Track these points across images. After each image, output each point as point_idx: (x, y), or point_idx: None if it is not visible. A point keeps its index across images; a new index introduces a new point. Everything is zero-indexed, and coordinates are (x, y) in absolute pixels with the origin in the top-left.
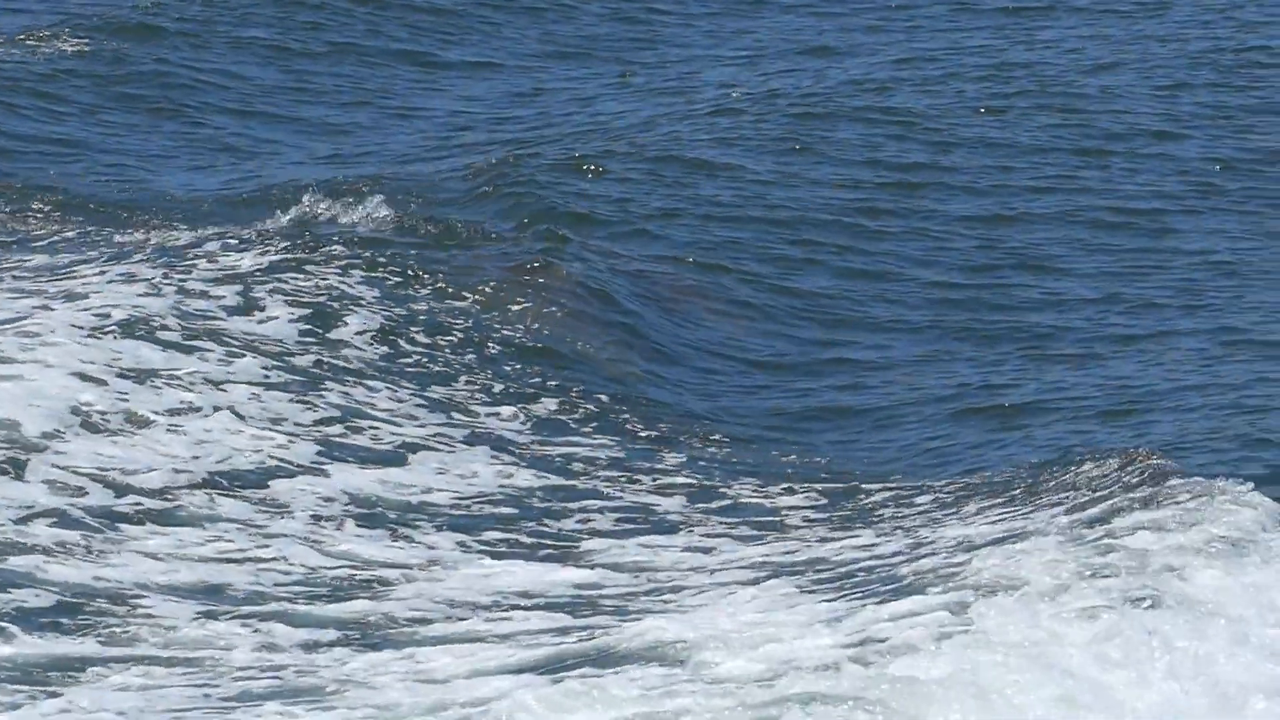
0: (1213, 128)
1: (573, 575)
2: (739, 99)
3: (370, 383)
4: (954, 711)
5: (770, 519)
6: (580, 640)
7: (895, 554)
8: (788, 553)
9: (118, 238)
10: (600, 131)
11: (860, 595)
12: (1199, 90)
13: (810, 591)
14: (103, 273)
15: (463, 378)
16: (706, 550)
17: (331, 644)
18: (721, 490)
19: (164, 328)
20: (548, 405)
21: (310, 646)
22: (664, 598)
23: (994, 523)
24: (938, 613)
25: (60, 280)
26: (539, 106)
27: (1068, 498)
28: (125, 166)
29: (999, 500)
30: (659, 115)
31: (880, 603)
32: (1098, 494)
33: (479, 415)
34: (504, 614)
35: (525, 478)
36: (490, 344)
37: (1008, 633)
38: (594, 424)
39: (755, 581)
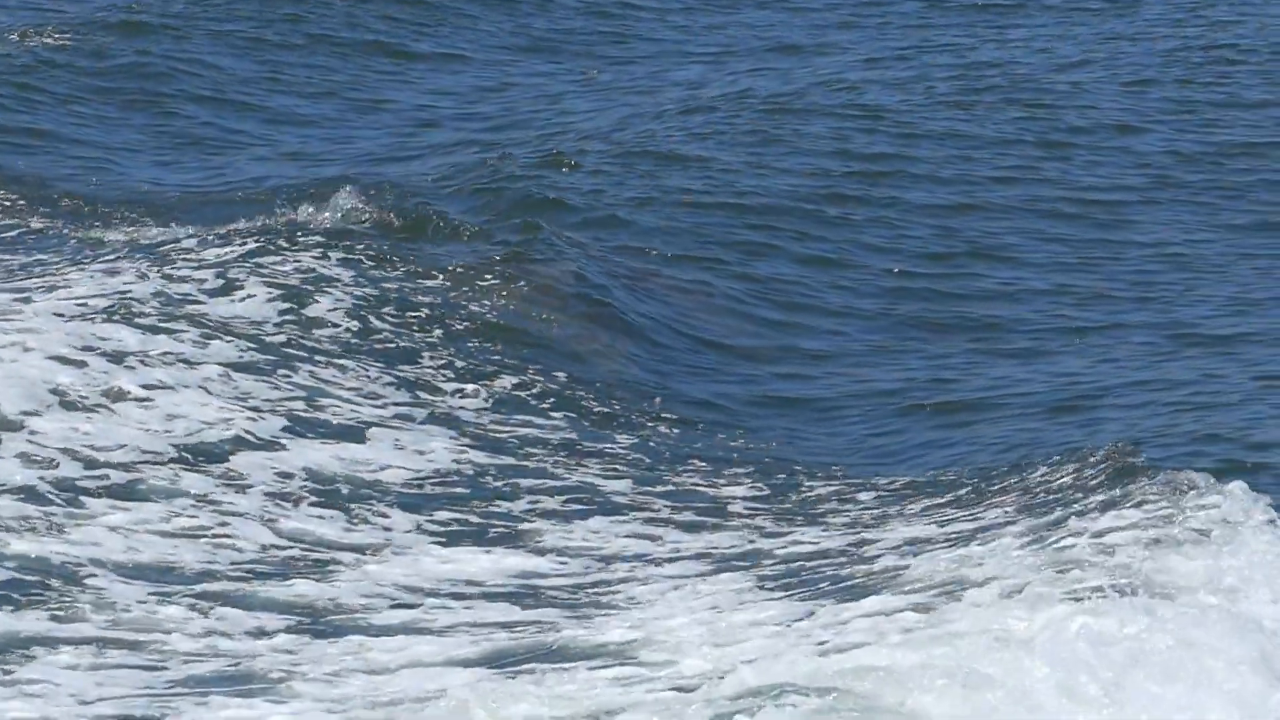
0: (1176, 122)
1: (520, 562)
2: (709, 94)
3: (340, 361)
4: (929, 699)
5: (715, 507)
6: (529, 635)
7: (840, 550)
8: (733, 545)
9: (96, 229)
10: (569, 126)
11: (810, 592)
12: (1166, 86)
13: (761, 588)
14: (81, 264)
15: (428, 357)
16: (653, 538)
17: (279, 630)
18: (669, 476)
19: (142, 313)
20: (507, 384)
21: (257, 633)
22: (612, 589)
23: (943, 522)
24: (903, 612)
25: (40, 270)
26: (507, 101)
27: (1021, 495)
28: (102, 160)
29: (947, 498)
30: (629, 110)
31: (835, 600)
32: (1053, 491)
33: (442, 394)
34: (452, 603)
35: (479, 457)
36: (458, 325)
37: (973, 627)
38: (551, 402)
39: (701, 575)
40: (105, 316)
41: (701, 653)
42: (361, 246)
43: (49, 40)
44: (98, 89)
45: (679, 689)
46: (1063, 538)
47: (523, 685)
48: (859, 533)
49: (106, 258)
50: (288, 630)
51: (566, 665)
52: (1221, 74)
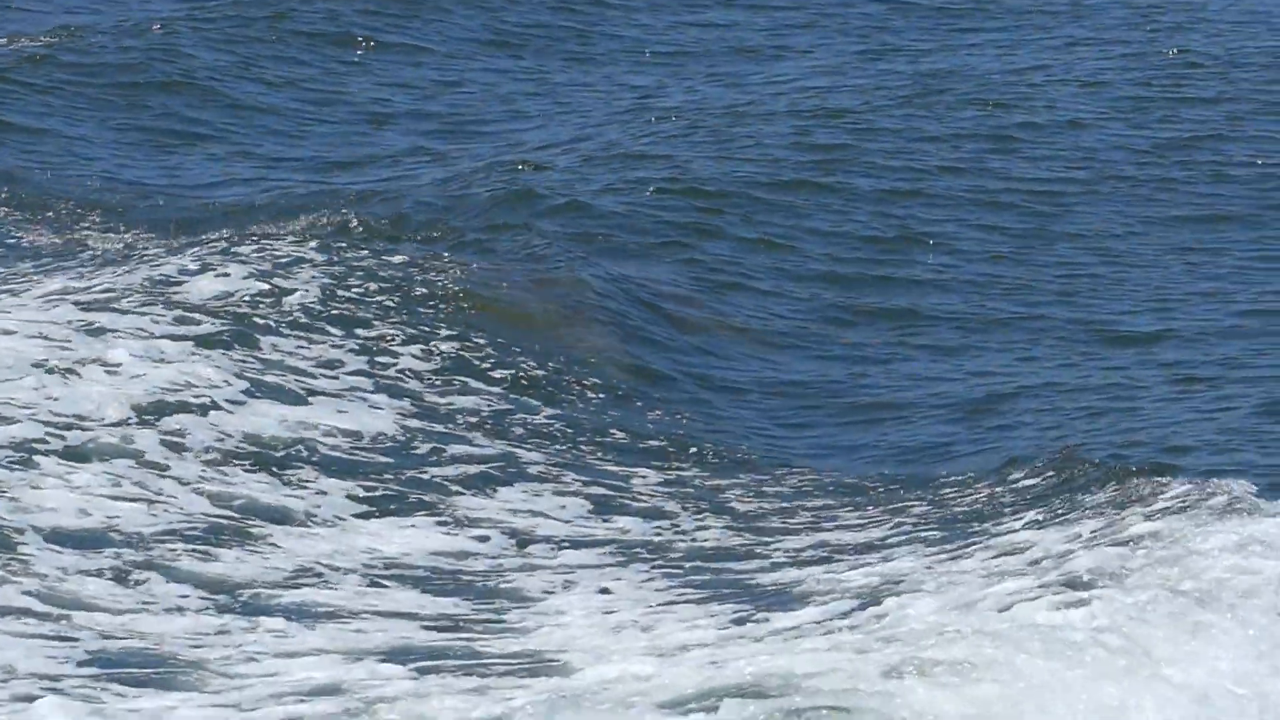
0: (1126, 120)
1: (438, 541)
2: (673, 90)
3: (303, 335)
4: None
5: (625, 489)
6: (437, 626)
7: (746, 549)
8: (644, 534)
9: (70, 223)
10: (530, 119)
11: (712, 593)
12: (1119, 86)
13: (667, 582)
14: (62, 259)
15: (387, 331)
16: (564, 520)
17: (197, 608)
18: (586, 456)
19: (120, 296)
20: (456, 355)
21: (177, 609)
22: (530, 574)
23: (853, 522)
24: (816, 614)
25: (18, 262)
26: (464, 94)
27: (931, 494)
28: (66, 154)
29: (855, 496)
30: (589, 106)
31: (744, 601)
32: (962, 490)
33: (394, 365)
34: (367, 585)
35: (416, 424)
36: (417, 303)
37: (915, 630)
38: (495, 375)
39: (605, 565)
40: (85, 302)
41: (608, 654)
42: (331, 234)
43: (25, 42)
44: (70, 83)
45: (577, 690)
46: (983, 538)
47: (427, 684)
48: (767, 527)
49: (82, 252)
50: (205, 609)
51: (472, 663)
52: (1175, 75)
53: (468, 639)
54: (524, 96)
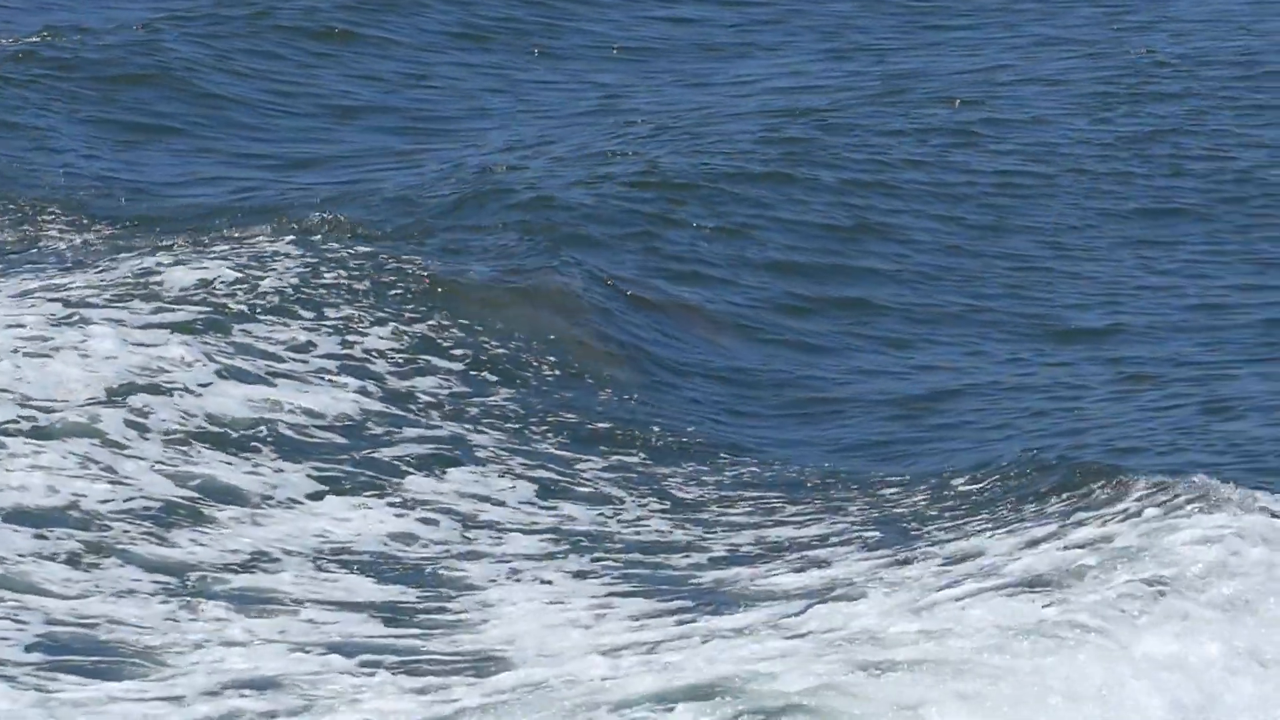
0: (1089, 115)
1: (390, 525)
2: (638, 86)
3: (277, 319)
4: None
5: (570, 474)
6: (380, 618)
7: (687, 543)
8: (589, 522)
9: (64, 227)
10: (496, 115)
11: (668, 583)
12: (1084, 83)
13: (616, 570)
14: (44, 258)
15: (360, 316)
16: (510, 506)
17: (147, 593)
18: (536, 440)
19: (101, 289)
20: (415, 335)
21: (126, 593)
22: (476, 561)
23: (798, 523)
24: (756, 615)
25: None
26: (433, 89)
27: (870, 491)
28: (41, 152)
29: (794, 492)
30: (557, 103)
31: (683, 599)
32: (902, 488)
33: (362, 347)
34: (315, 570)
35: (375, 406)
36: (390, 288)
37: (820, 626)
38: (451, 354)
39: (551, 555)
40: (58, 286)
41: (556, 653)
42: (303, 228)
43: (3, 41)
44: (47, 77)
45: (527, 691)
46: (926, 539)
47: (371, 681)
48: (709, 520)
49: (59, 244)
50: (156, 593)
51: (417, 659)
52: (1140, 73)
53: (413, 633)
54: (491, 93)
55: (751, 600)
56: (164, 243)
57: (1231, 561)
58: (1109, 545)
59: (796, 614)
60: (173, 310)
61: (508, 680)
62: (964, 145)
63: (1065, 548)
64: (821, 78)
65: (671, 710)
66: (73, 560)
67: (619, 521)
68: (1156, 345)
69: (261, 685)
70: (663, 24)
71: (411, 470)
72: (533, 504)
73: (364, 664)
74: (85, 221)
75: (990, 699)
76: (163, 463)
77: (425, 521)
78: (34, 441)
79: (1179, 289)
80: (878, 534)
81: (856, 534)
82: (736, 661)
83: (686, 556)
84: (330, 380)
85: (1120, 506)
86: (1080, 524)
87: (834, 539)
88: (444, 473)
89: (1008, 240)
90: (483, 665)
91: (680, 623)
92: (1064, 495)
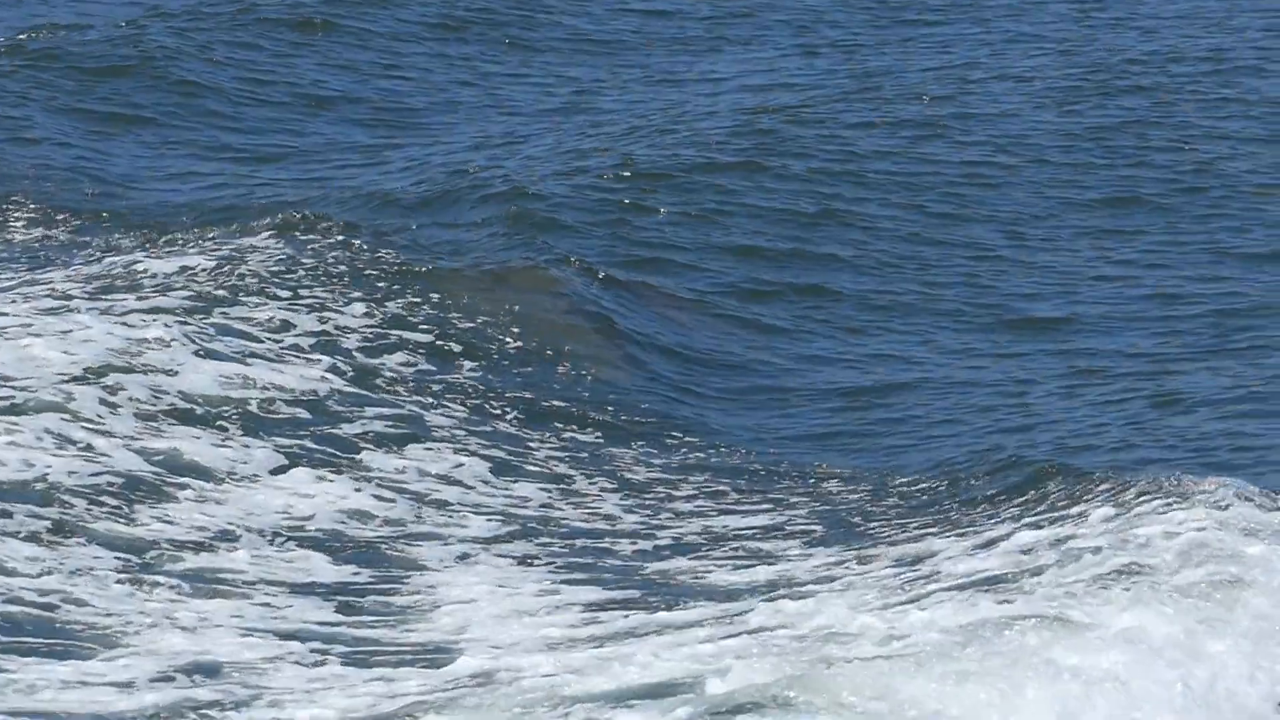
0: (1057, 109)
1: (348, 502)
2: (611, 77)
3: (257, 302)
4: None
5: (522, 453)
6: (332, 606)
7: (633, 530)
8: (541, 505)
9: (54, 225)
10: (469, 107)
11: (618, 574)
12: (1053, 79)
13: (567, 558)
14: (20, 250)
15: (330, 296)
16: (470, 485)
17: (108, 570)
18: (494, 418)
19: (87, 282)
20: (387, 314)
21: (86, 571)
22: (429, 544)
23: (743, 513)
24: (707, 611)
25: None
26: (408, 80)
27: (815, 484)
28: (33, 151)
29: (744, 480)
30: (530, 98)
31: (648, 591)
32: (850, 482)
33: (335, 325)
34: (277, 550)
35: (340, 384)
36: (365, 271)
37: (770, 621)
38: (420, 333)
39: (503, 539)
40: (55, 294)
41: (508, 646)
42: (283, 219)
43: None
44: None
45: (481, 685)
46: (872, 539)
47: (320, 672)
48: (658, 506)
49: (67, 245)
50: (115, 570)
51: (368, 650)
52: (1108, 69)
53: (365, 620)
54: (465, 85)
55: (699, 594)
56: (146, 233)
57: (1194, 553)
58: (1066, 543)
59: (745, 611)
60: (152, 296)
61: (457, 672)
62: (932, 138)
63: (1019, 546)
64: (794, 73)
65: (625, 707)
66: (34, 538)
67: (569, 504)
68: (1109, 337)
69: (211, 671)
70: (638, 17)
71: (371, 446)
72: (487, 482)
73: (315, 651)
74: (63, 214)
75: (953, 697)
76: (132, 438)
77: (381, 499)
78: (6, 418)
79: (1135, 279)
80: (822, 529)
81: (801, 527)
82: (687, 658)
83: (634, 543)
84: (304, 358)
85: (1074, 502)
86: (1034, 522)
87: (779, 533)
88: (403, 449)
89: (969, 229)
90: (434, 656)
91: (634, 617)
92: (1015, 493)
